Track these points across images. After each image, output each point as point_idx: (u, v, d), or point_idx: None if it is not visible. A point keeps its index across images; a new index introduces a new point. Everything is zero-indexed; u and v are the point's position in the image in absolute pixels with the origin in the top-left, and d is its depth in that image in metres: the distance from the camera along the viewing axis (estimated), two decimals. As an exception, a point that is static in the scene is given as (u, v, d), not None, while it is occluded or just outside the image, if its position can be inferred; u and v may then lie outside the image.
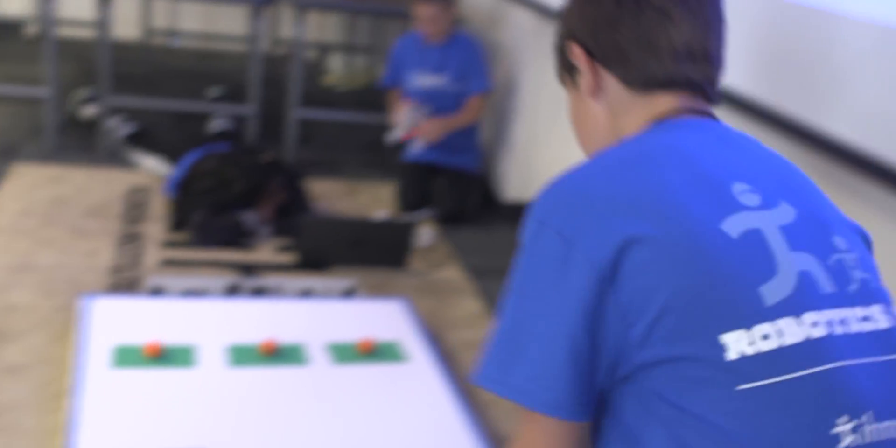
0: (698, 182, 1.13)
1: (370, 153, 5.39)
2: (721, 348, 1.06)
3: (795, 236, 1.15)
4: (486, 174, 4.76)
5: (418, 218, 4.04)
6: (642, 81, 1.21)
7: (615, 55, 1.21)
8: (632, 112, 1.24)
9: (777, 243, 1.13)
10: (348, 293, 3.42)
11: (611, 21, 1.20)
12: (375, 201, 4.58)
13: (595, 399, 1.12)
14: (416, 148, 4.38)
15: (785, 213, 1.16)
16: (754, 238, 1.12)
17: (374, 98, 5.33)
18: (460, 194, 4.46)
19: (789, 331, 1.09)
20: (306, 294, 3.36)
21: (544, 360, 1.09)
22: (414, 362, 2.87)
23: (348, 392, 2.67)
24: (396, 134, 4.37)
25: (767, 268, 1.11)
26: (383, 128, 4.73)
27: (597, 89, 1.24)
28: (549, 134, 4.30)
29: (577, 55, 1.24)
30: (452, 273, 3.83)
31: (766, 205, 1.16)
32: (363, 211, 4.39)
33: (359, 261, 3.71)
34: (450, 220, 4.35)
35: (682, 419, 1.07)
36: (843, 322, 1.12)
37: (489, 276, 3.83)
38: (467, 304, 3.55)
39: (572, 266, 1.09)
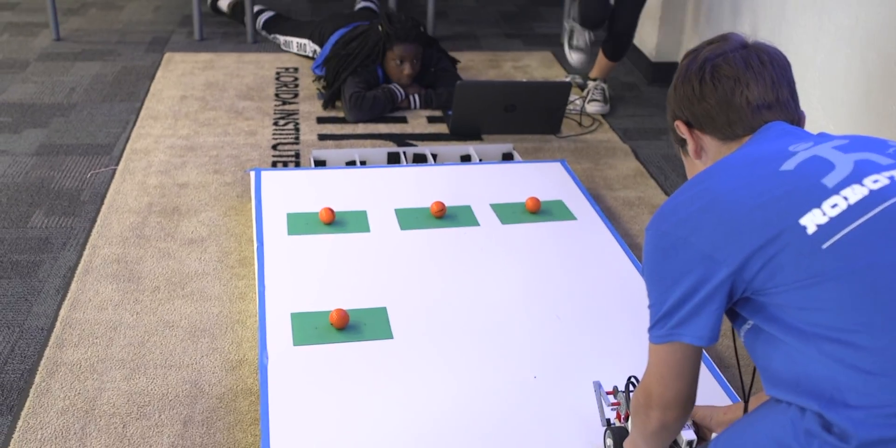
0: (758, 157, 1.41)
1: (507, 25, 5.30)
2: (803, 229, 1.28)
3: (848, 147, 1.38)
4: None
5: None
6: (732, 134, 1.51)
7: (707, 120, 1.53)
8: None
9: (830, 153, 1.36)
10: (506, 157, 3.42)
11: (698, 95, 1.53)
12: (519, 71, 4.52)
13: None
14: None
15: (837, 140, 1.41)
16: (810, 158, 1.35)
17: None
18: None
19: (853, 193, 1.29)
20: (465, 160, 3.37)
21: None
22: (583, 220, 2.86)
23: (526, 249, 2.70)
24: None
25: (825, 168, 1.33)
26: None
27: (700, 151, 1.57)
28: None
29: (681, 128, 1.57)
30: (604, 135, 3.78)
31: (819, 141, 1.41)
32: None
33: (512, 127, 3.69)
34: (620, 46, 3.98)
35: (786, 297, 1.29)
36: None
37: (640, 138, 3.77)
38: (622, 165, 3.51)
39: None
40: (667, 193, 3.28)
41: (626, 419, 1.89)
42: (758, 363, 1.40)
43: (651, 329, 1.43)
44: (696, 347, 1.40)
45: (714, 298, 1.35)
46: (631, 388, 1.90)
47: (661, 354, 1.43)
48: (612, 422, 1.92)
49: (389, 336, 2.29)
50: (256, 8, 4.84)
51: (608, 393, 1.98)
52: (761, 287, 1.31)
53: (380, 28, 3.87)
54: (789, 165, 1.36)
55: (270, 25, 4.74)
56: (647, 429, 1.53)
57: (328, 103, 3.91)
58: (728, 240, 1.32)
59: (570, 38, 4.32)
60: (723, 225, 1.33)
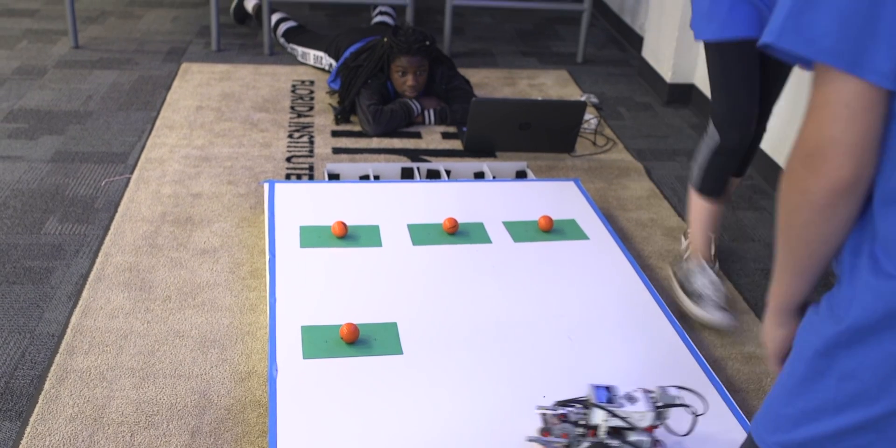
0: None
1: (523, 43, 5.32)
2: None
3: None
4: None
5: None
6: None
7: None
8: None
9: None
10: (520, 175, 3.42)
11: None
12: (534, 89, 4.53)
13: None
14: None
15: None
16: None
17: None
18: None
19: None
20: (478, 176, 3.38)
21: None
22: (595, 240, 2.87)
23: (537, 268, 2.70)
24: None
25: None
26: (537, 13, 4.63)
27: None
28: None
29: None
30: (618, 155, 3.79)
31: None
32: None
33: (527, 145, 3.69)
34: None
35: None
36: None
37: (654, 159, 3.77)
38: (636, 186, 3.51)
39: None
40: (680, 215, 3.27)
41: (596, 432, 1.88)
42: None
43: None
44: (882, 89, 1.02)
45: None
46: (574, 405, 1.89)
47: (829, 91, 1.04)
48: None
49: (399, 351, 2.29)
50: (278, 16, 4.87)
51: (560, 418, 1.95)
52: None
53: (385, 40, 3.90)
54: None
55: (291, 35, 4.77)
56: (807, 201, 1.09)
57: (342, 118, 3.92)
58: None
59: (690, 288, 2.69)
60: None
